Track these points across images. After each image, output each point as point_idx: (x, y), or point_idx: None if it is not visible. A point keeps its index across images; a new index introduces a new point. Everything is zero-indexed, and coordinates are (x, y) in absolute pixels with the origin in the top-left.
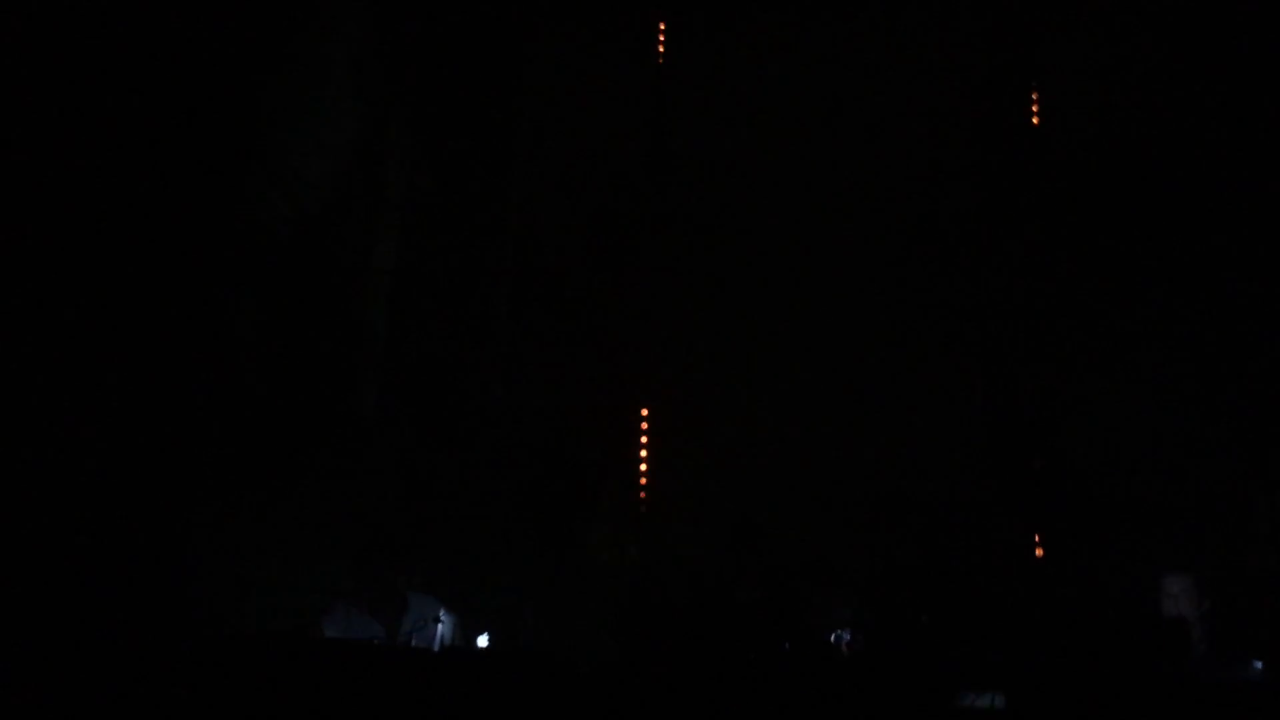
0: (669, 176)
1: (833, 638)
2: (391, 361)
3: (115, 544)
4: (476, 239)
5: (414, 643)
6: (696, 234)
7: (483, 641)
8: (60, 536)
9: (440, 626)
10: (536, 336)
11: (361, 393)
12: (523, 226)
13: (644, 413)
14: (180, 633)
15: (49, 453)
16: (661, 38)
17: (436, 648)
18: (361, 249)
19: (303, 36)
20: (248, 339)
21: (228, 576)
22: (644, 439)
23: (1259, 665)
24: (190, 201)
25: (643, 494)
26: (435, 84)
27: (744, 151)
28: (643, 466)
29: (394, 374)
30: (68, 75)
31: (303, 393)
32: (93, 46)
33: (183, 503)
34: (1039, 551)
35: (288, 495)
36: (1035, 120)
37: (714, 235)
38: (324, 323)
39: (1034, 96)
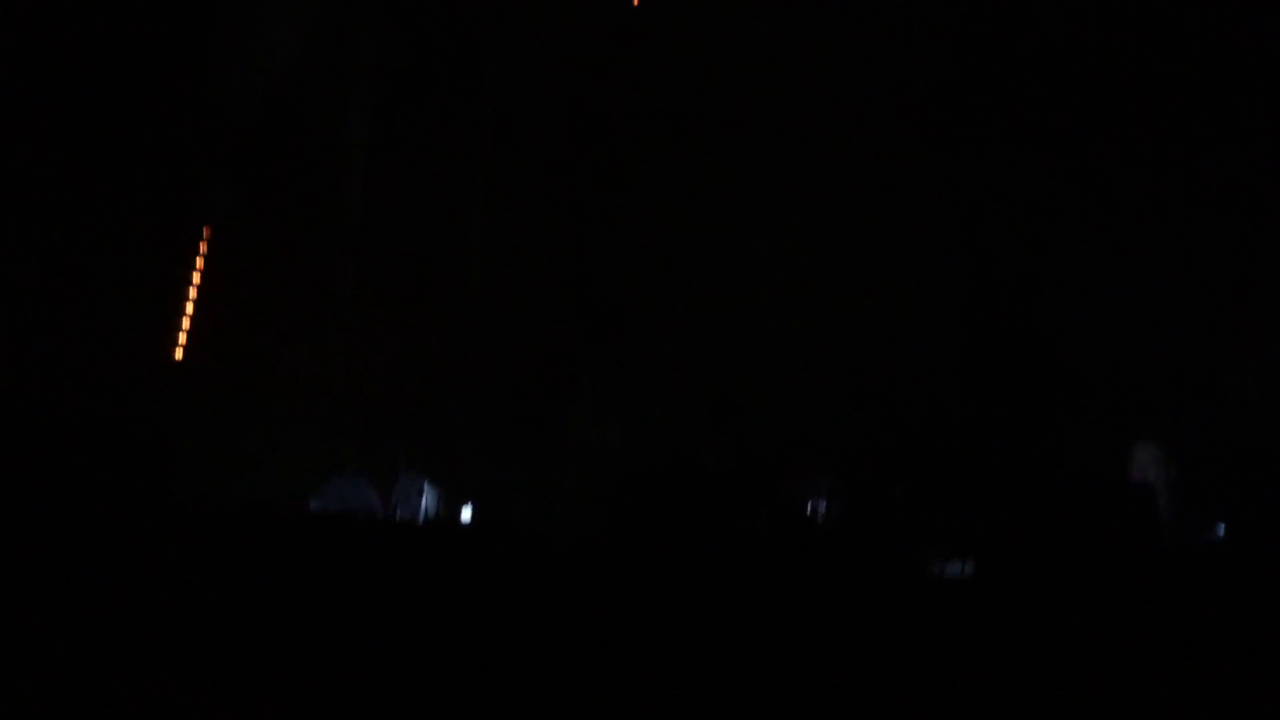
0: (648, 57)
1: (809, 507)
2: (367, 237)
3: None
4: (451, 113)
5: (398, 515)
6: (674, 116)
7: (466, 515)
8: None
9: (424, 500)
10: (515, 214)
11: (339, 270)
12: (498, 100)
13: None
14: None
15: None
16: None
17: (421, 521)
18: (333, 123)
19: None
20: (222, 214)
21: (212, 452)
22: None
23: (1223, 529)
24: (158, 81)
25: (624, 370)
26: None
27: (717, 38)
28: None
29: (370, 249)
30: None
31: (280, 271)
32: None
33: (166, 377)
34: (1009, 418)
35: (269, 373)
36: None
37: (695, 122)
38: (298, 199)
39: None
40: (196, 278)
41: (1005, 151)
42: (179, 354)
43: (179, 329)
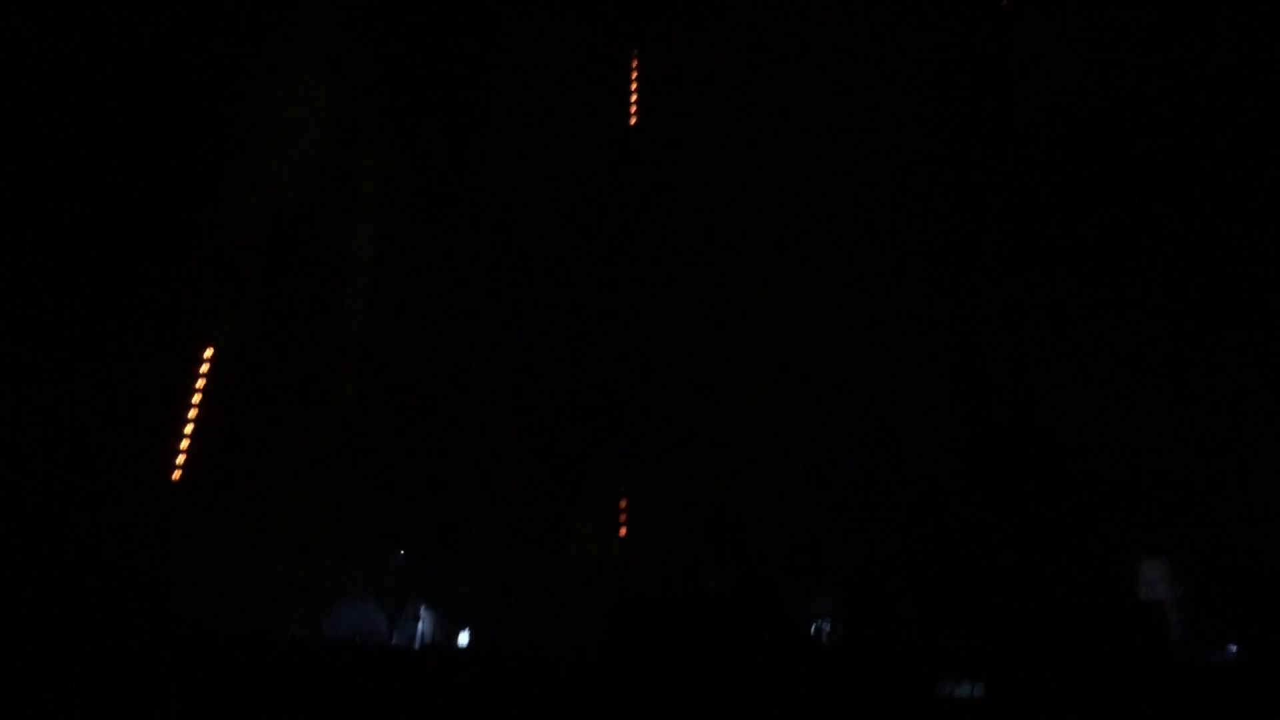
0: (645, 171)
1: (814, 628)
2: (370, 356)
3: (100, 544)
4: (453, 234)
5: (394, 640)
6: (675, 228)
7: (464, 639)
8: (44, 537)
9: (420, 624)
10: (516, 331)
11: (341, 387)
12: (499, 222)
13: (624, 407)
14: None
15: (33, 451)
16: (636, 34)
17: (417, 645)
18: (338, 244)
19: (276, 36)
20: (227, 337)
21: (211, 574)
22: (625, 433)
23: (1234, 649)
24: (167, 200)
25: (624, 487)
26: (410, 80)
27: (719, 146)
28: (624, 460)
29: (373, 368)
30: (46, 79)
31: (282, 392)
32: (71, 48)
33: (166, 503)
34: (1017, 539)
35: (272, 493)
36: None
37: (692, 229)
38: (302, 317)
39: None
40: (198, 399)
41: (1010, 261)
42: (179, 476)
43: (180, 451)
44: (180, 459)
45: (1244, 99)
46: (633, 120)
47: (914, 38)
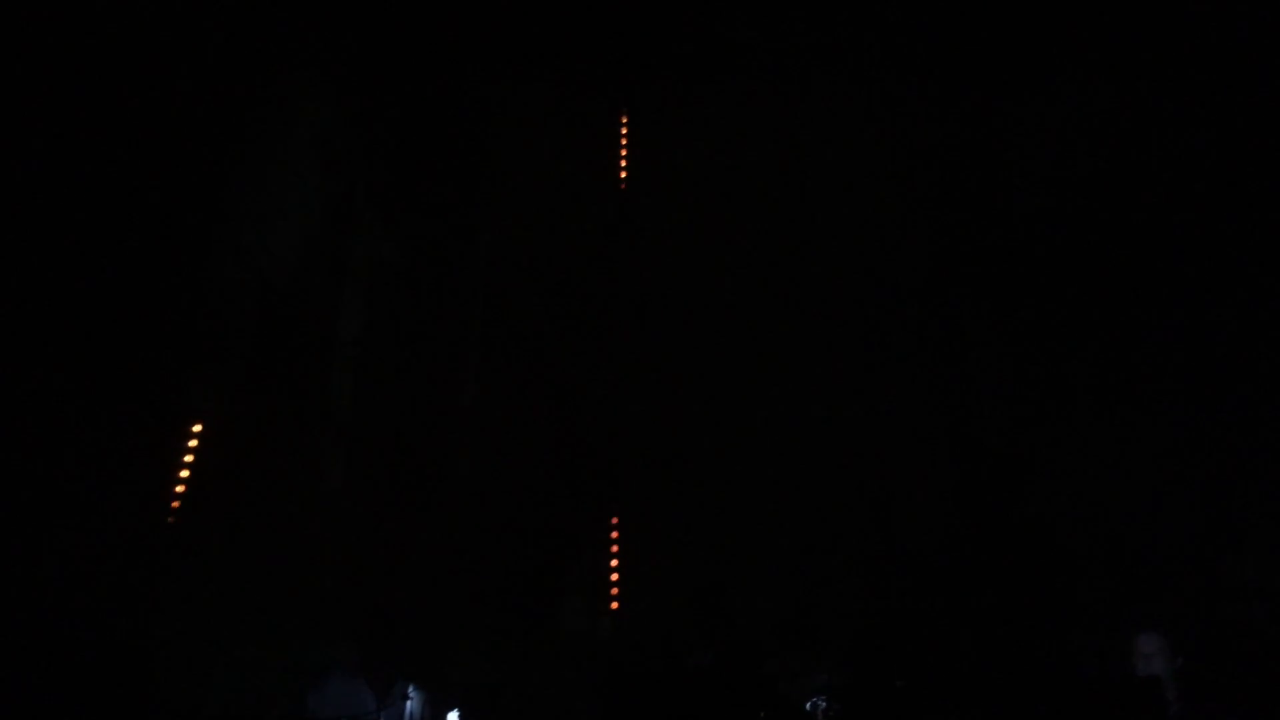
0: (633, 245)
1: (809, 705)
2: (358, 432)
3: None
4: (443, 309)
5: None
6: (663, 304)
7: (452, 718)
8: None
9: (409, 704)
10: (505, 405)
11: (328, 464)
12: (489, 297)
13: (615, 482)
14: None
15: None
16: (625, 111)
17: None
18: (327, 319)
19: (268, 109)
20: (213, 410)
21: (196, 653)
22: (615, 510)
23: None
24: (155, 272)
25: (615, 564)
26: (400, 156)
27: (709, 211)
28: (614, 536)
29: (361, 445)
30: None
31: (269, 465)
32: (65, 120)
33: (149, 583)
34: (1011, 614)
35: (256, 570)
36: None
37: (681, 304)
38: (290, 394)
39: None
40: (184, 473)
41: (1005, 338)
42: (164, 551)
43: (166, 525)
44: (166, 533)
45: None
46: (623, 186)
47: (903, 103)
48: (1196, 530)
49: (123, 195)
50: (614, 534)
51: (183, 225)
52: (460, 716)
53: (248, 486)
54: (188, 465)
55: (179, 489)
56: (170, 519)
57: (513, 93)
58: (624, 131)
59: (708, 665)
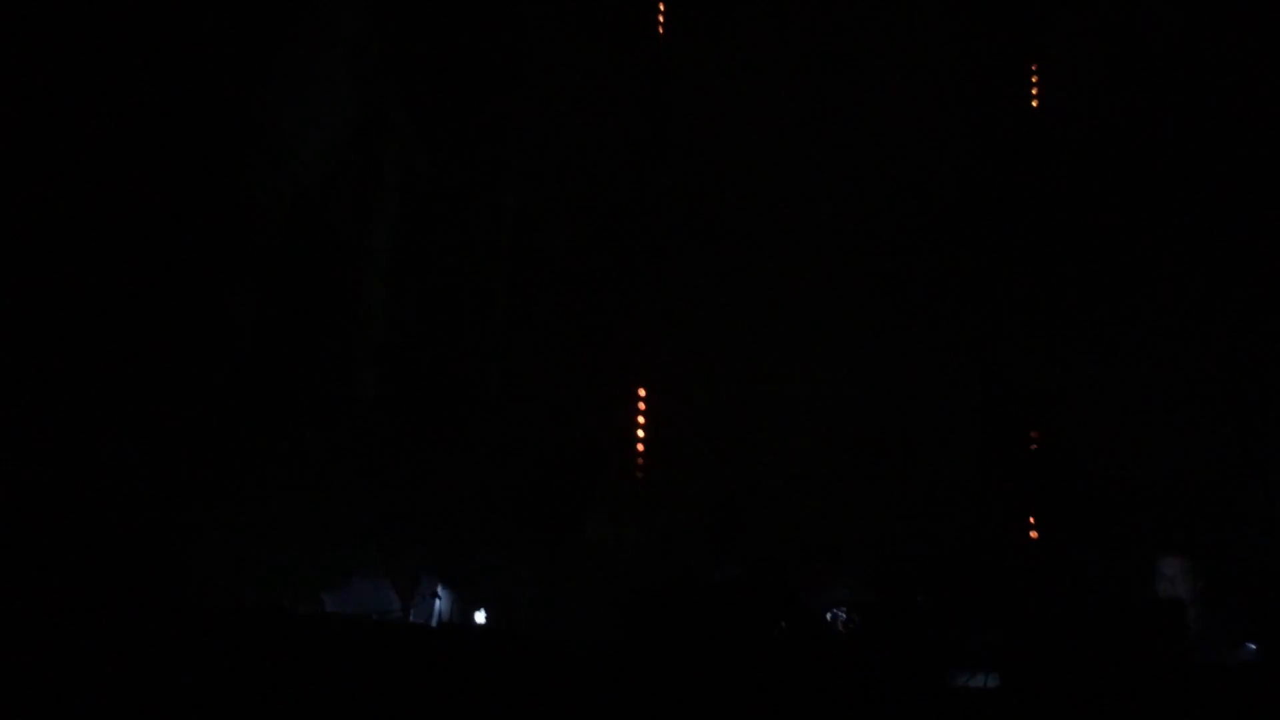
0: (666, 160)
1: (829, 616)
2: (389, 342)
3: (114, 525)
4: (473, 221)
5: (412, 617)
6: (693, 218)
7: (479, 618)
8: (60, 518)
9: (438, 602)
10: (533, 319)
11: (360, 374)
12: (519, 209)
13: (641, 395)
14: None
15: (49, 433)
16: (661, 20)
17: (434, 623)
18: (358, 229)
19: (300, 19)
20: (245, 319)
21: (225, 556)
22: (641, 422)
23: (1252, 647)
24: (188, 182)
25: (640, 475)
26: (433, 66)
27: (741, 137)
28: (640, 448)
29: (392, 355)
30: (65, 60)
31: (301, 373)
32: (92, 31)
33: (181, 484)
34: (1034, 534)
35: (287, 475)
36: (1035, 103)
37: (710, 220)
38: (321, 302)
39: (1034, 80)
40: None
41: (1030, 263)
42: (193, 458)
43: (196, 432)
44: (196, 440)
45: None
46: (658, 96)
47: (940, 24)
48: (1224, 457)
49: (156, 106)
50: (640, 447)
51: (215, 136)
52: (488, 617)
53: (278, 391)
54: (225, 371)
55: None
56: (202, 420)
57: (549, 6)
58: (660, 43)
59: (737, 579)
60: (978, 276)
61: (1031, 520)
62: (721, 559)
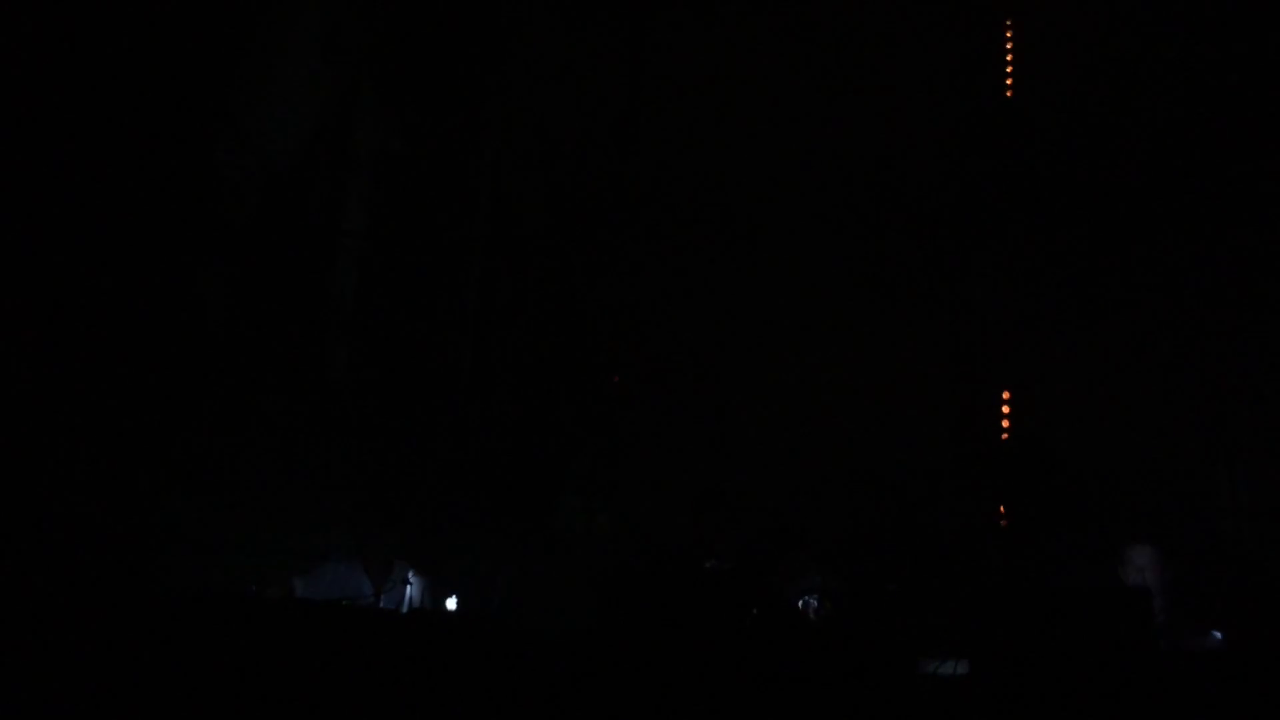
0: (642, 148)
1: (800, 603)
2: (361, 327)
3: (81, 510)
4: (447, 204)
5: (383, 603)
6: (668, 206)
7: (450, 605)
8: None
9: (410, 588)
10: (506, 305)
11: (331, 358)
12: (493, 193)
13: (615, 381)
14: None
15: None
16: (637, 13)
17: (405, 609)
18: (330, 211)
19: (272, 1)
20: (216, 303)
21: (194, 540)
22: (618, 407)
23: (1218, 635)
24: (158, 165)
25: (614, 462)
26: (407, 47)
27: (715, 127)
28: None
29: (364, 340)
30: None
31: (272, 358)
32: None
33: (150, 468)
34: (1004, 522)
35: (257, 460)
36: (1009, 94)
37: (685, 209)
38: (293, 287)
39: (1009, 71)
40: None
41: (998, 256)
42: (164, 440)
43: (165, 415)
44: (165, 424)
45: (1244, 102)
46: (634, 81)
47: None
48: (1192, 445)
49: (126, 90)
50: (614, 432)
51: (185, 118)
52: (459, 603)
53: (248, 373)
54: (195, 354)
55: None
56: (169, 404)
57: None
58: (638, 30)
59: (726, 570)
60: (950, 267)
61: (1001, 508)
62: (706, 543)
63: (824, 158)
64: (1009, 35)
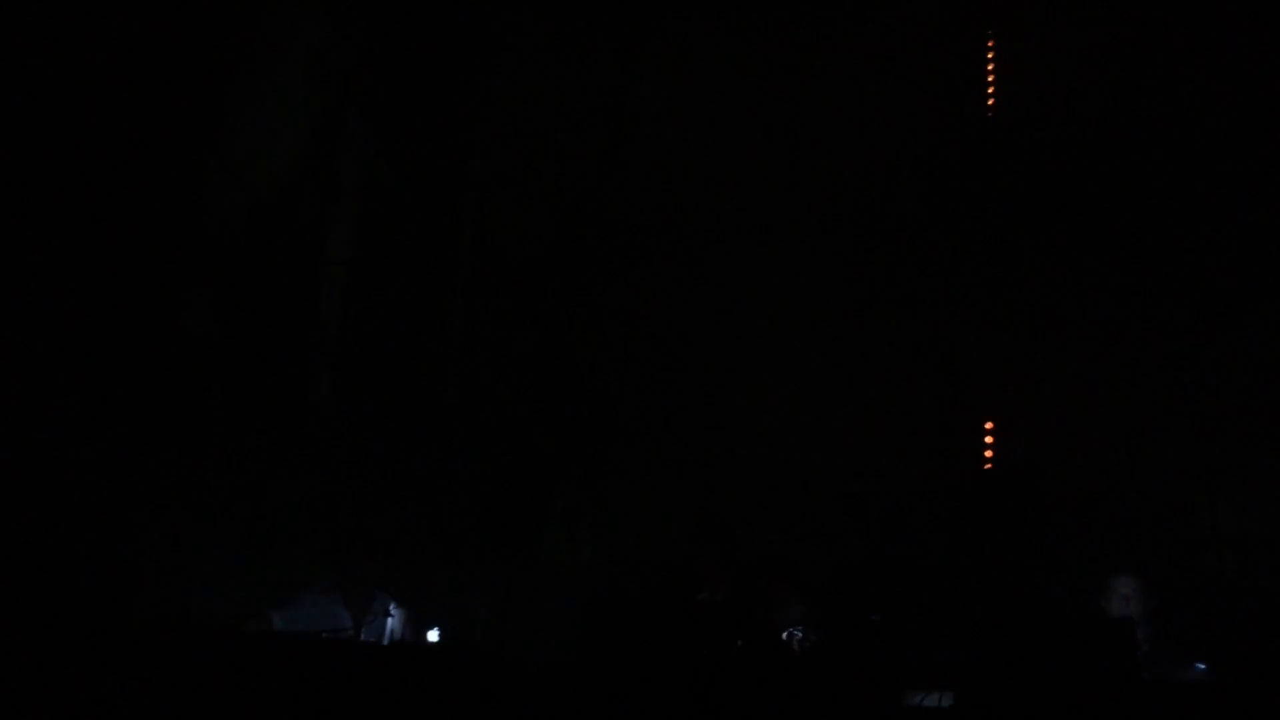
0: (628, 170)
1: (785, 635)
2: (346, 354)
3: (57, 536)
4: (433, 231)
5: (363, 636)
6: (653, 230)
7: (433, 636)
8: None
9: (390, 620)
10: (492, 332)
11: (316, 385)
12: (480, 220)
13: (602, 411)
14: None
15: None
16: (624, 29)
17: (386, 641)
18: (316, 239)
19: (258, 24)
20: (200, 328)
21: (172, 570)
22: (600, 436)
23: (1201, 667)
24: (143, 189)
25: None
26: (394, 73)
27: (704, 150)
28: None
29: (349, 367)
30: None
31: (255, 384)
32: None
33: (131, 497)
34: (987, 551)
35: (237, 488)
36: (991, 100)
37: (675, 232)
38: (277, 313)
39: (990, 77)
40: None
41: (985, 279)
42: (144, 468)
43: (147, 441)
44: (145, 450)
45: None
46: (623, 107)
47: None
48: (1176, 475)
49: (109, 110)
50: (597, 462)
51: (169, 140)
52: (441, 635)
53: (231, 402)
54: (177, 380)
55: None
56: (149, 432)
57: (511, 10)
58: (624, 51)
59: (702, 595)
60: (930, 296)
61: (984, 537)
62: (689, 574)
63: (810, 171)
64: (991, 45)
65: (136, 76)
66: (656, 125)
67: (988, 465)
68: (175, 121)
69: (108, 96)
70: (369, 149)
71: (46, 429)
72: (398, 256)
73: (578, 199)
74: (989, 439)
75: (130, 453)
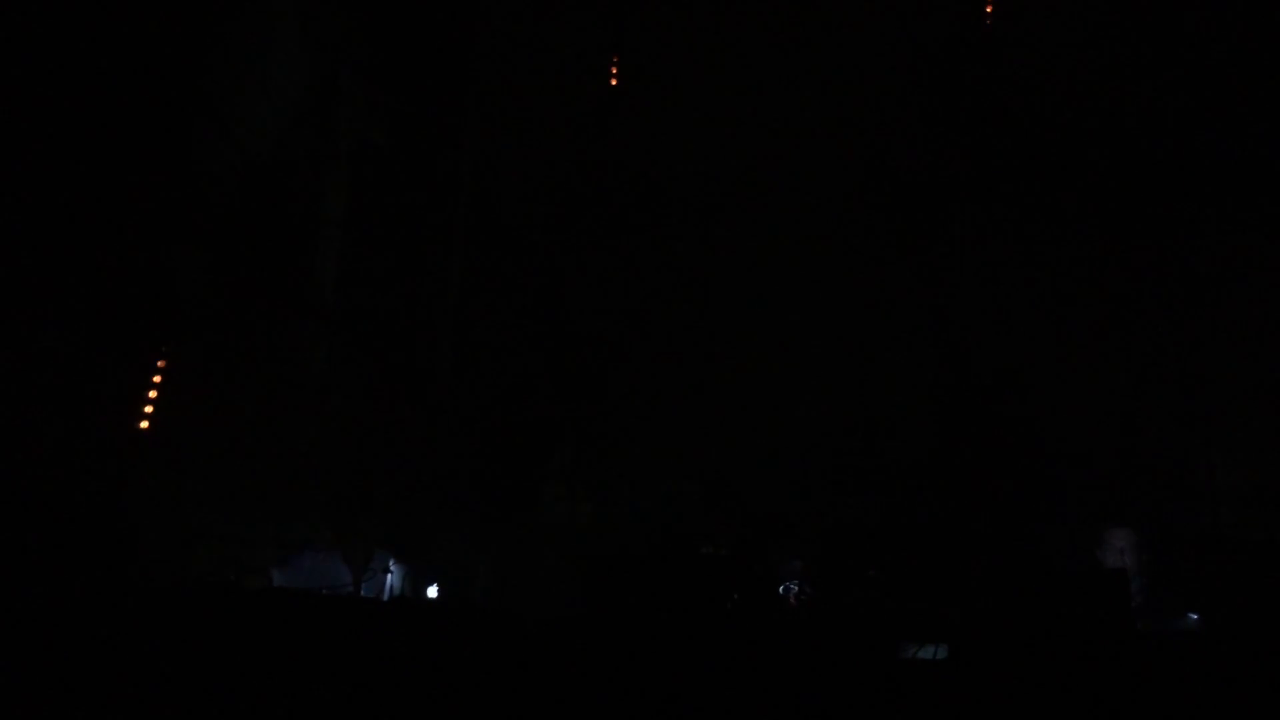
0: (623, 136)
1: (781, 589)
2: (342, 314)
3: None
4: (428, 193)
5: (363, 592)
6: (651, 197)
7: (432, 592)
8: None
9: (390, 576)
10: (488, 294)
11: (311, 345)
12: (476, 181)
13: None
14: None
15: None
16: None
17: (386, 597)
18: (311, 200)
19: None
20: (195, 291)
21: (174, 530)
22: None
23: (1194, 617)
24: (137, 150)
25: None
26: (388, 34)
27: (696, 113)
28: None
29: (344, 327)
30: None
31: (252, 346)
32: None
33: (130, 458)
34: (984, 505)
35: (237, 449)
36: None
37: (667, 199)
38: (273, 275)
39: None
40: (165, 350)
41: (982, 244)
42: (145, 427)
43: (146, 403)
44: (146, 410)
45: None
46: (614, 69)
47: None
48: (1172, 431)
49: (105, 74)
50: (596, 422)
51: (165, 105)
52: (440, 591)
53: (229, 363)
54: (171, 345)
55: (160, 364)
56: (151, 394)
57: None
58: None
59: (699, 551)
60: (931, 264)
61: (981, 492)
62: (686, 531)
63: (810, 150)
64: (989, 21)
65: (132, 43)
66: (650, 92)
67: (985, 421)
68: (170, 87)
69: (104, 63)
70: (363, 113)
71: (48, 392)
72: (394, 218)
73: (574, 161)
74: (987, 397)
75: (131, 416)
